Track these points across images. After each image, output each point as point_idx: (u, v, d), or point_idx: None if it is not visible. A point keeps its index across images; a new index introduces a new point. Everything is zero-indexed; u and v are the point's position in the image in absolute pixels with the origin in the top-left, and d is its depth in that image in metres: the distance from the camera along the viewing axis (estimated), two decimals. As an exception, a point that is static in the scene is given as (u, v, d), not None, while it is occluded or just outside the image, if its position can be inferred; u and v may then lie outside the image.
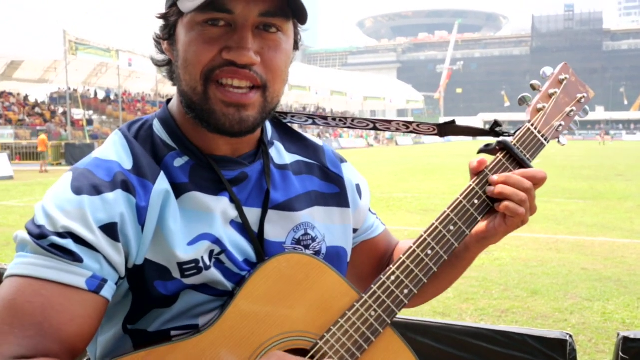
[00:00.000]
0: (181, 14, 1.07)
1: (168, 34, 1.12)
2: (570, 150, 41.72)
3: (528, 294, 6.03)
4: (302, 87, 59.07)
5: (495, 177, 1.16)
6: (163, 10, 1.13)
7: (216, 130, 1.09)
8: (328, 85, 65.61)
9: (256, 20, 1.05)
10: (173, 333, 1.10)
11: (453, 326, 2.21)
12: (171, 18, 1.09)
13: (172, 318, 1.10)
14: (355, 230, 1.33)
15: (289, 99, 60.12)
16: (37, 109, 39.25)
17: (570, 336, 2.10)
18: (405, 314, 2.25)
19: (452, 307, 5.56)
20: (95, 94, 46.97)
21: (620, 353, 2.01)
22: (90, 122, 40.90)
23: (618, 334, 2.07)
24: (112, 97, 46.45)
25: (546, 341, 2.08)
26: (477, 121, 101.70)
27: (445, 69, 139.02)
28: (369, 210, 1.39)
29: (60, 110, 40.74)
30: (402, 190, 15.57)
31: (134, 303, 1.10)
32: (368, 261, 1.39)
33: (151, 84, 47.78)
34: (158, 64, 1.19)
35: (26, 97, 40.88)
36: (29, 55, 38.26)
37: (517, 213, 1.14)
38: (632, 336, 2.03)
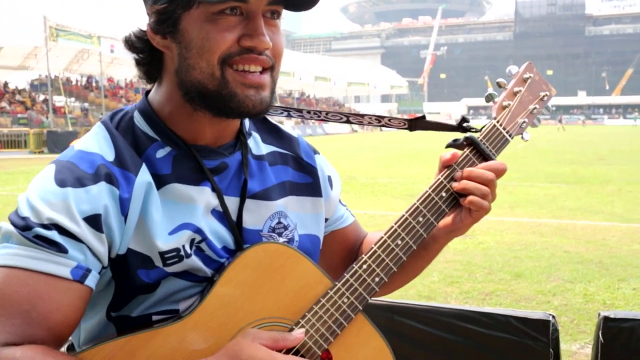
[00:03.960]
0: (188, 5, 1.07)
1: (171, 27, 1.10)
2: (553, 135, 41.99)
3: (512, 276, 6.12)
4: (286, 73, 58.76)
5: (459, 174, 1.23)
6: (146, 7, 1.13)
7: (237, 113, 1.12)
8: (312, 71, 65.31)
9: (265, 8, 1.10)
10: (154, 318, 1.13)
11: (439, 308, 2.24)
12: (178, 11, 1.09)
13: (153, 303, 1.13)
14: (325, 220, 1.38)
15: (273, 85, 59.59)
16: (18, 97, 38.71)
17: (553, 317, 2.14)
18: (391, 297, 2.28)
19: (437, 291, 5.62)
20: (76, 81, 46.34)
21: (601, 331, 2.06)
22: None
23: (599, 314, 2.11)
24: (94, 83, 45.88)
25: (529, 322, 2.12)
26: (461, 106, 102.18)
27: (429, 55, 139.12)
28: (340, 201, 1.44)
29: (42, 97, 40.20)
30: (387, 176, 15.59)
31: (116, 291, 1.12)
32: (337, 251, 1.44)
33: (134, 71, 46.90)
34: (140, 62, 1.21)
35: (6, 84, 40.25)
36: (8, 42, 37.65)
37: (482, 206, 1.21)
38: (612, 316, 2.08)
